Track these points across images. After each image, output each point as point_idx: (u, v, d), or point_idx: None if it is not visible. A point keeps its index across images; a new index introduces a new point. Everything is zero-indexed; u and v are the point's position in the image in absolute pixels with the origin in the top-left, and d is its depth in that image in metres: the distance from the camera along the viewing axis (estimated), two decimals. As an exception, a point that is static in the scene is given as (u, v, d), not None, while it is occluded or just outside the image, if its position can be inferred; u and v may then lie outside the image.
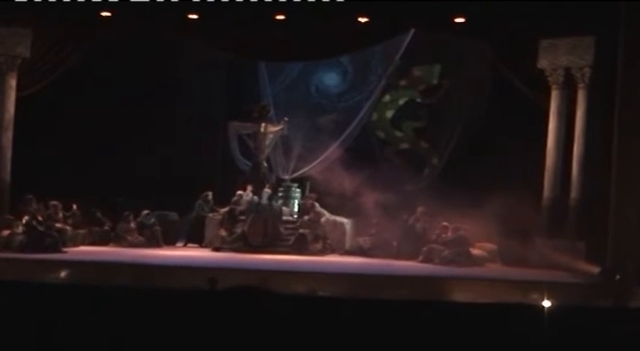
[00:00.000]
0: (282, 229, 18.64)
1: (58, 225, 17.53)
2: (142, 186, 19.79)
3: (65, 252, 16.64)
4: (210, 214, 19.36)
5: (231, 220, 18.80)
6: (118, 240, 18.43)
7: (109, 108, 20.15)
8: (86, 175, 19.44)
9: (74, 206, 18.59)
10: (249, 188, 19.49)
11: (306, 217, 18.78)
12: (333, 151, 20.65)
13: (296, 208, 19.87)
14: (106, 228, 18.74)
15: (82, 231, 18.35)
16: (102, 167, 19.86)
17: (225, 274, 13.08)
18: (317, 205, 19.18)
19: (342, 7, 16.91)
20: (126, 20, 17.76)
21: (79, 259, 15.72)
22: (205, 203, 19.53)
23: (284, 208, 19.38)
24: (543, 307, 8.60)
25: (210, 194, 19.60)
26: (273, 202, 18.97)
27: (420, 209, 18.22)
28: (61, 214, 18.18)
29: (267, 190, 19.07)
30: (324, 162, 20.54)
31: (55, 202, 18.12)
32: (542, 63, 17.89)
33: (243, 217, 18.76)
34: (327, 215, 19.19)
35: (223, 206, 19.37)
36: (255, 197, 19.01)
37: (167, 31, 18.38)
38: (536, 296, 12.28)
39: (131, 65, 19.94)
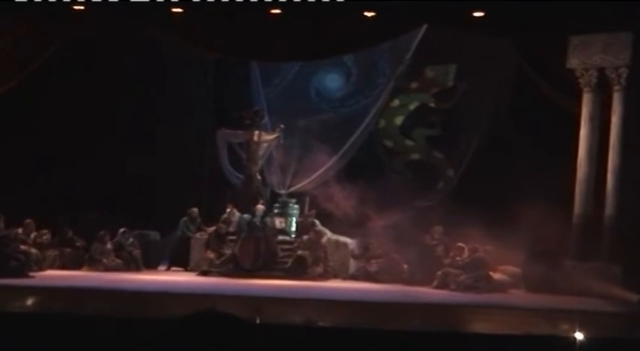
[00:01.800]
0: (277, 251, 18.62)
1: (23, 247, 17.47)
2: (119, 202, 19.76)
3: (32, 277, 16.57)
4: (197, 234, 19.34)
5: (219, 240, 18.78)
6: (93, 263, 18.36)
7: (80, 115, 20.16)
8: (55, 190, 19.40)
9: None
10: (232, 207, 19.45)
11: (305, 237, 18.77)
12: (335, 162, 20.69)
13: (293, 227, 19.84)
14: (79, 249, 18.67)
15: (51, 253, 18.30)
16: (73, 180, 19.81)
17: (214, 301, 13.02)
18: (317, 223, 19.16)
19: (345, 1, 16.90)
20: (100, 15, 17.69)
21: (48, 285, 15.64)
22: (191, 221, 19.51)
23: (278, 222, 19.32)
24: (575, 339, 8.57)
25: (195, 211, 19.58)
26: (267, 220, 18.94)
27: (436, 228, 18.23)
28: (33, 235, 18.16)
29: (260, 207, 19.03)
30: (325, 175, 20.56)
31: (29, 221, 18.15)
32: (573, 63, 17.87)
33: (233, 237, 18.73)
34: (328, 235, 19.17)
35: (211, 225, 19.33)
36: (246, 215, 18.97)
37: (146, 26, 18.36)
38: (567, 327, 12.20)
39: (106, 67, 19.99)
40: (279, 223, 19.37)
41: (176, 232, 19.51)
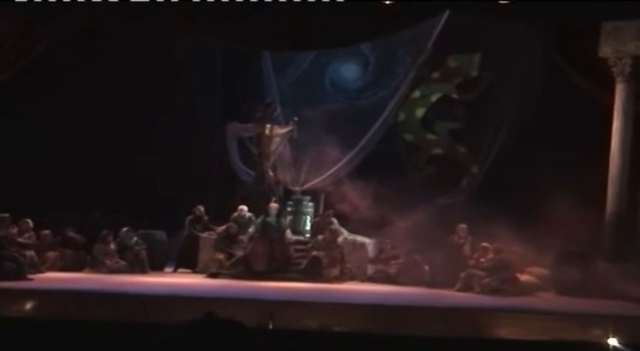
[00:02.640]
0: (291, 253, 18.60)
1: (21, 240, 17.50)
2: (123, 200, 19.81)
3: (31, 279, 16.56)
4: (205, 234, 19.35)
5: (229, 240, 18.77)
6: (95, 264, 18.40)
7: (83, 111, 20.26)
8: (57, 188, 19.46)
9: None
10: (243, 206, 19.46)
11: (320, 237, 18.73)
12: (351, 158, 20.70)
13: (308, 226, 19.84)
14: (80, 250, 18.72)
15: (51, 254, 18.35)
16: (75, 178, 19.88)
17: (223, 305, 13.07)
18: (335, 221, 19.17)
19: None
20: (106, 4, 17.68)
21: (48, 288, 15.64)
22: (197, 220, 19.51)
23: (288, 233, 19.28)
24: (608, 345, 8.51)
25: (201, 209, 19.57)
26: (282, 220, 18.90)
27: (461, 227, 18.18)
28: (29, 234, 18.17)
29: (273, 205, 18.97)
30: (341, 171, 20.58)
31: (27, 220, 18.19)
32: (605, 51, 17.80)
33: (243, 237, 18.73)
34: (345, 234, 19.16)
35: (220, 224, 19.33)
36: (256, 219, 18.89)
37: (150, 15, 18.32)
38: (599, 332, 12.14)
39: (109, 59, 20.04)
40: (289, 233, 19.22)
41: (183, 232, 19.52)
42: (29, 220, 18.31)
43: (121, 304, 14.28)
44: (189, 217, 19.51)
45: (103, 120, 20.39)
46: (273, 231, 18.46)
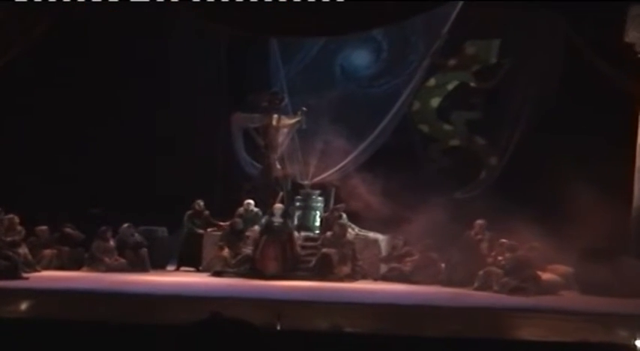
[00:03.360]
0: (300, 252, 18.54)
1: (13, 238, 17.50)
2: (122, 195, 19.85)
3: (26, 278, 16.59)
4: (208, 230, 19.35)
5: (235, 237, 18.75)
6: (93, 262, 18.42)
7: (82, 100, 20.30)
8: (52, 182, 19.48)
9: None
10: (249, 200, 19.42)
11: (328, 233, 18.70)
12: (363, 150, 20.65)
13: (318, 222, 19.84)
14: (78, 247, 18.74)
15: (47, 251, 18.37)
16: (72, 172, 19.91)
17: (229, 305, 13.07)
18: (344, 216, 19.16)
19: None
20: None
21: (44, 288, 15.66)
22: (196, 215, 19.48)
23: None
24: (635, 347, 8.48)
25: (201, 203, 19.53)
26: (288, 221, 18.73)
27: (478, 222, 18.16)
28: (19, 230, 18.16)
29: (278, 206, 18.85)
30: (353, 164, 20.54)
31: (11, 216, 18.16)
32: (631, 36, 17.71)
33: (250, 233, 18.72)
34: (356, 230, 19.18)
35: (225, 220, 19.34)
36: (264, 212, 18.84)
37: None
38: (626, 334, 12.12)
39: (107, 50, 20.09)
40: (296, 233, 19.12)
41: (182, 228, 19.56)
42: (14, 216, 18.20)
43: (121, 304, 14.28)
44: (188, 212, 19.51)
45: (103, 110, 20.42)
46: (280, 232, 18.37)
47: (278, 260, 18.08)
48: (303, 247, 18.76)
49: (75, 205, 19.55)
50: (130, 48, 20.12)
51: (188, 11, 18.53)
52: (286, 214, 18.88)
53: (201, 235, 19.31)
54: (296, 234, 18.87)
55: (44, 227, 18.70)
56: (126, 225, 18.88)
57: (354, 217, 19.46)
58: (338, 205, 19.57)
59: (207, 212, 19.58)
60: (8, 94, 19.22)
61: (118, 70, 20.37)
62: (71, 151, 20.08)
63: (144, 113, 20.59)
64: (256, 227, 18.69)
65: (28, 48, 18.52)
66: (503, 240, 17.42)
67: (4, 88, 18.89)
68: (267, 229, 18.41)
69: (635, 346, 8.55)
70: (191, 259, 19.29)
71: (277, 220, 18.56)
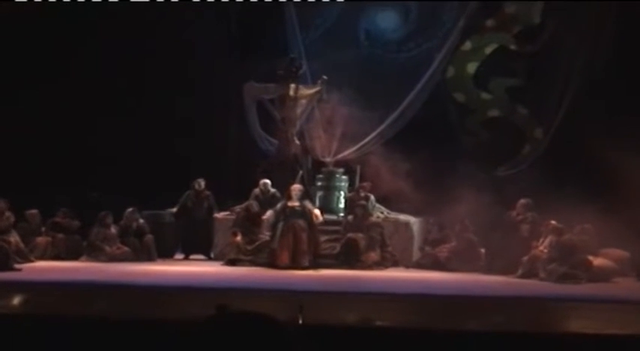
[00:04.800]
0: (321, 241, 18.41)
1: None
2: (124, 176, 19.92)
3: (19, 270, 16.65)
4: (221, 213, 19.36)
5: (250, 221, 18.68)
6: (93, 251, 18.45)
7: (81, 74, 20.49)
8: (47, 164, 19.55)
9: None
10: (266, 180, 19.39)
11: (350, 217, 18.65)
12: (392, 122, 20.67)
13: (342, 204, 19.82)
14: (76, 235, 18.78)
15: (40, 239, 18.42)
16: (69, 151, 19.97)
17: (244, 297, 13.10)
18: (372, 197, 19.09)
19: None
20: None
21: (39, 280, 15.71)
22: (196, 195, 19.37)
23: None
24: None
25: (201, 182, 19.36)
26: (305, 204, 18.47)
27: (522, 202, 18.05)
28: (7, 216, 18.15)
29: (296, 187, 18.62)
30: (380, 138, 20.60)
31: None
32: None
33: (268, 216, 18.62)
34: (385, 212, 19.11)
35: (239, 203, 19.32)
36: (282, 194, 18.72)
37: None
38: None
39: (116, 29, 20.34)
40: (317, 214, 18.82)
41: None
42: (0, 200, 18.15)
43: (124, 298, 14.29)
44: (187, 192, 19.42)
45: (102, 85, 20.63)
46: (297, 218, 18.19)
47: (293, 251, 17.92)
48: (326, 232, 18.66)
49: (72, 188, 19.57)
50: (138, 29, 20.37)
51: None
52: (306, 196, 18.78)
53: (205, 221, 19.26)
54: (318, 215, 18.61)
55: (34, 211, 18.65)
56: (130, 209, 18.87)
57: (383, 198, 19.49)
58: (364, 183, 19.48)
59: (207, 193, 19.48)
60: (8, 72, 19.35)
61: (124, 48, 20.67)
62: (69, 131, 20.14)
63: (149, 89, 20.79)
64: (268, 214, 18.43)
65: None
66: (552, 221, 17.31)
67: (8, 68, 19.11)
68: (284, 213, 18.28)
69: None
70: (201, 247, 19.29)
71: (295, 204, 18.39)
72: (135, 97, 20.64)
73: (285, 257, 17.83)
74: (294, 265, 17.74)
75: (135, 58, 20.65)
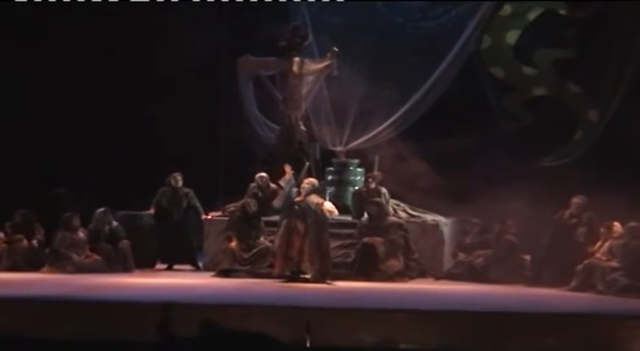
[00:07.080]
0: (329, 247, 18.24)
1: None
2: (94, 171, 20.03)
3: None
4: (210, 214, 19.42)
5: (247, 223, 18.66)
6: (57, 260, 18.45)
7: (51, 52, 20.94)
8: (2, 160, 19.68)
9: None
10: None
11: (364, 218, 18.55)
12: (416, 103, 20.63)
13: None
14: (37, 241, 18.78)
15: (-6, 247, 18.46)
16: (31, 143, 20.27)
17: (241, 314, 13.04)
18: (384, 191, 19.03)
19: None
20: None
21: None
22: (173, 192, 19.35)
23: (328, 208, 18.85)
24: None
25: (178, 177, 19.38)
26: (310, 199, 18.30)
27: (575, 200, 17.95)
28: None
29: (308, 181, 18.47)
30: (402, 123, 20.57)
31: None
32: None
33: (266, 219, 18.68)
34: (408, 211, 19.22)
35: (231, 201, 19.34)
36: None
37: None
38: None
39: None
40: (329, 208, 18.56)
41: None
42: None
43: (95, 315, 14.17)
44: (162, 190, 19.43)
45: (76, 71, 21.09)
46: (296, 218, 17.66)
47: (286, 257, 17.74)
48: (338, 237, 18.65)
49: (31, 185, 19.67)
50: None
51: None
52: (314, 190, 18.59)
53: (196, 222, 19.32)
54: (329, 207, 18.40)
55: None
56: (101, 210, 18.87)
57: (406, 195, 19.54)
58: (374, 173, 19.41)
59: (187, 190, 19.46)
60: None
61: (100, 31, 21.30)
62: (30, 117, 20.45)
63: (126, 67, 21.24)
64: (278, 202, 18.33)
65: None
66: (615, 223, 17.21)
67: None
68: (288, 212, 18.09)
69: None
70: (188, 254, 19.34)
71: (300, 198, 18.22)
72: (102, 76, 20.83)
73: (278, 264, 17.69)
74: (300, 274, 17.62)
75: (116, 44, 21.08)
